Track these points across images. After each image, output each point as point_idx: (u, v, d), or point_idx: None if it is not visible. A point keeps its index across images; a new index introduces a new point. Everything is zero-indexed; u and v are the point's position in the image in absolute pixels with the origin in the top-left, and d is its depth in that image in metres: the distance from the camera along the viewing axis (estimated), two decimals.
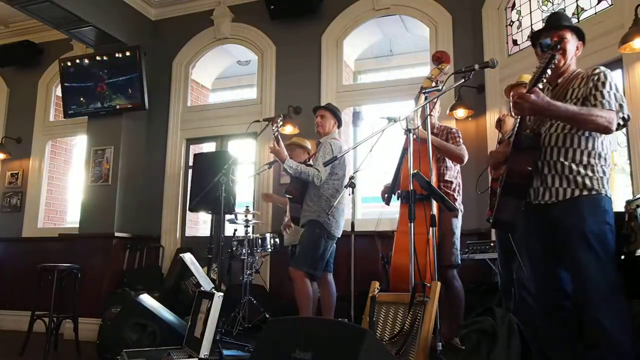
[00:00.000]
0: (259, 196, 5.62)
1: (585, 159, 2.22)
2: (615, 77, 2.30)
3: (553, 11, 4.56)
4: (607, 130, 2.16)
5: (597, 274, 2.10)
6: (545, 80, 2.20)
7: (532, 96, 2.12)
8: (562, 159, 2.24)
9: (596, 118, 2.13)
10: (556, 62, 2.21)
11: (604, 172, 2.23)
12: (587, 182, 2.20)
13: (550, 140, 2.29)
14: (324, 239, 3.76)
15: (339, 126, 4.18)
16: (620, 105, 2.16)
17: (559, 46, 2.25)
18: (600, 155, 2.23)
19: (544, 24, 2.53)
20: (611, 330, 2.03)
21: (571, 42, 2.37)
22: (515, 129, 2.35)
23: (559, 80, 2.38)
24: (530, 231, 2.37)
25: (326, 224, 3.76)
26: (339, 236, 3.89)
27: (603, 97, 2.17)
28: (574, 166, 2.22)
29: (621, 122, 2.16)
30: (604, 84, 2.20)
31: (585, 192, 2.19)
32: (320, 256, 3.76)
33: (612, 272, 2.13)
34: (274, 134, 3.93)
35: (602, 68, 2.26)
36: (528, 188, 2.30)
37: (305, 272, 3.71)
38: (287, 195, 4.15)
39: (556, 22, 2.41)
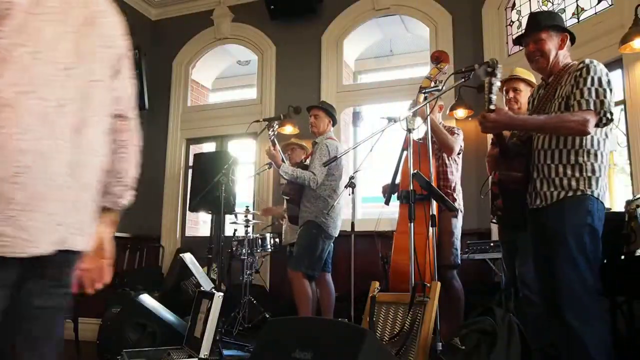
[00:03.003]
0: (259, 196, 5.63)
1: (572, 158, 2.17)
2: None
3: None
4: (582, 133, 2.12)
5: (573, 278, 2.06)
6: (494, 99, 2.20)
7: (493, 115, 2.17)
8: (548, 162, 2.22)
9: (566, 124, 2.12)
10: (495, 87, 2.22)
11: (593, 171, 2.15)
12: (573, 183, 2.15)
13: (538, 143, 2.28)
14: (321, 239, 3.76)
15: (334, 124, 4.14)
16: (602, 102, 2.08)
17: (495, 71, 2.22)
18: (589, 152, 2.16)
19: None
20: (578, 332, 2.01)
21: (549, 41, 2.31)
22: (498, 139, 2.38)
23: (550, 80, 2.34)
24: (531, 235, 2.37)
25: (323, 224, 3.76)
26: (336, 236, 3.89)
27: (582, 95, 2.10)
28: (560, 168, 2.18)
29: (603, 120, 2.10)
30: (585, 80, 2.13)
31: (570, 194, 2.15)
32: (318, 256, 3.76)
33: (590, 277, 2.08)
34: (270, 138, 3.90)
35: (587, 61, 2.18)
36: (525, 193, 2.32)
37: (303, 273, 3.70)
38: (285, 197, 4.14)
39: (529, 28, 2.39)
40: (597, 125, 2.11)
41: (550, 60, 2.32)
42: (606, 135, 2.19)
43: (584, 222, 2.11)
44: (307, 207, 3.85)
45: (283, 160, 3.94)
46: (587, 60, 2.19)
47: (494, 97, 2.20)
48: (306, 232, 3.79)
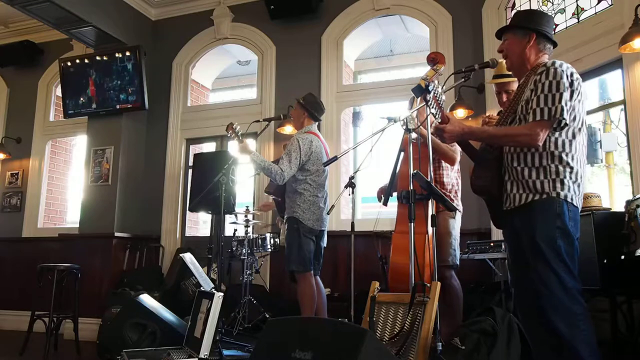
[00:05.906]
0: (259, 196, 5.63)
1: (537, 161, 2.17)
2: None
3: (553, 11, 4.56)
4: (531, 146, 2.14)
5: (552, 281, 2.06)
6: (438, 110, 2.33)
7: (448, 126, 2.25)
8: (515, 164, 2.23)
9: (514, 138, 2.18)
10: (439, 100, 2.32)
11: (557, 173, 2.13)
12: (538, 185, 2.14)
13: (509, 146, 2.30)
14: (302, 233, 3.72)
15: (315, 118, 4.01)
16: (555, 109, 2.08)
17: (428, 87, 2.33)
18: (553, 155, 2.15)
19: None
20: (568, 337, 2.00)
21: (513, 42, 2.34)
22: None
23: (522, 81, 2.33)
24: (505, 237, 2.39)
25: (301, 218, 3.73)
26: (319, 229, 3.82)
27: (538, 104, 2.11)
28: (526, 170, 2.18)
29: (557, 128, 2.11)
30: (542, 86, 2.12)
31: (537, 197, 2.14)
32: (306, 250, 3.72)
33: (569, 279, 2.07)
34: (232, 139, 3.79)
35: (549, 64, 2.16)
36: (499, 195, 2.31)
37: (299, 271, 3.69)
38: (269, 195, 4.10)
39: (500, 28, 2.45)
40: (555, 130, 2.13)
41: (514, 60, 2.34)
42: (573, 136, 2.16)
43: (554, 226, 2.10)
44: (287, 202, 3.85)
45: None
46: (548, 63, 2.17)
47: (437, 111, 2.31)
48: (289, 228, 3.78)
